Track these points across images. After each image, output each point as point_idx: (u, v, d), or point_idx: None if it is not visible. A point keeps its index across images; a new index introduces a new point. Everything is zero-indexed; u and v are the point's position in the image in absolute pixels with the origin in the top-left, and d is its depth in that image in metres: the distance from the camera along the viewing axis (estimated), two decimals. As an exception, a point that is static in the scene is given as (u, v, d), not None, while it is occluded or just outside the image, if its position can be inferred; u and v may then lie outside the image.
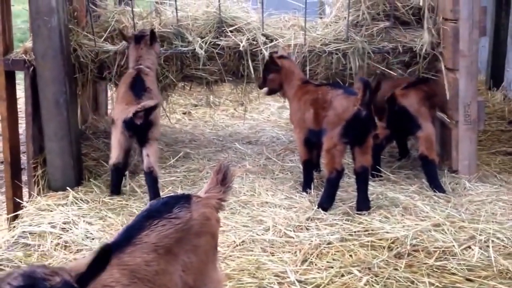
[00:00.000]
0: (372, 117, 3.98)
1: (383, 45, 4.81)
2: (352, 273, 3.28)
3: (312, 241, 3.60)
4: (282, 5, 5.19)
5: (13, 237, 3.71)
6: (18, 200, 4.41)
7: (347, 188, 4.37)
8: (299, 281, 3.20)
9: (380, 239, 3.63)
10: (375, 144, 4.27)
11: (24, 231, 3.74)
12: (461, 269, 3.33)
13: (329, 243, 3.60)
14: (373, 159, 4.23)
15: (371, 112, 3.95)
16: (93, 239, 3.66)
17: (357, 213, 3.99)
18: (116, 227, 3.79)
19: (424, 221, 3.85)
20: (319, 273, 3.29)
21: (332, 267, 3.34)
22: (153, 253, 2.11)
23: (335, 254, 3.49)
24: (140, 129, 4.09)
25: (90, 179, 4.54)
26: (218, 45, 4.74)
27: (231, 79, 5.03)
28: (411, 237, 3.61)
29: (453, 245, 3.53)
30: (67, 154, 4.32)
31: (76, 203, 4.13)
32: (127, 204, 4.18)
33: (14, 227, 3.95)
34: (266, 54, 4.68)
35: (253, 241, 3.64)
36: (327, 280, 3.21)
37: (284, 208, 4.09)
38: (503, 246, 3.56)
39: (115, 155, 4.21)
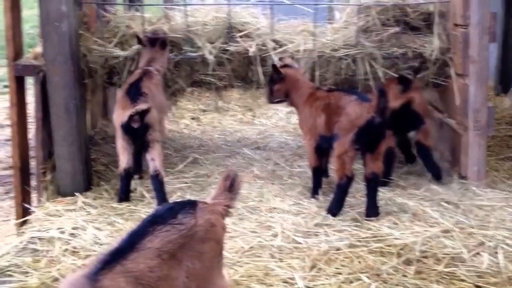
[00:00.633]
0: (385, 124, 3.97)
1: (392, 51, 4.80)
2: (361, 280, 3.26)
3: (320, 247, 3.58)
4: (292, 11, 5.19)
5: (21, 242, 3.70)
6: (27, 205, 4.41)
7: (356, 194, 4.35)
8: (308, 288, 3.19)
9: (389, 245, 3.61)
10: (387, 151, 4.29)
11: (32, 237, 3.74)
12: (470, 275, 3.30)
13: (337, 249, 3.58)
14: (386, 166, 4.28)
15: (385, 119, 3.92)
16: (101, 244, 3.65)
17: (365, 219, 3.97)
18: (124, 232, 3.79)
19: (433, 227, 3.82)
20: (327, 279, 3.27)
21: (340, 274, 3.32)
22: (157, 259, 2.11)
23: (343, 260, 3.47)
24: (138, 132, 4.14)
25: (99, 184, 4.56)
26: (228, 50, 4.74)
27: (240, 84, 5.04)
28: (420, 244, 3.58)
29: (462, 252, 3.50)
30: (76, 159, 4.33)
31: (84, 209, 4.14)
32: (136, 209, 4.18)
33: (23, 232, 3.94)
34: (276, 59, 4.68)
35: (261, 247, 3.63)
36: (335, 287, 3.19)
37: (292, 214, 4.07)
38: (512, 252, 3.53)
39: (124, 160, 4.24)
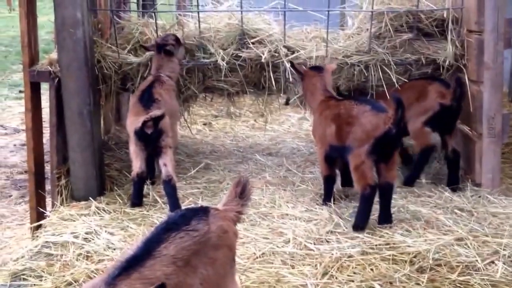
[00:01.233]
0: (401, 134, 3.94)
1: (405, 57, 4.79)
2: (373, 287, 3.24)
3: (332, 254, 3.57)
4: (304, 17, 5.20)
5: (36, 246, 3.73)
6: (42, 209, 4.44)
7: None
8: (320, 295, 3.19)
9: (402, 253, 3.59)
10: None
11: (47, 241, 3.77)
12: (485, 284, 3.28)
13: (350, 256, 3.57)
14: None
15: (401, 129, 3.89)
16: (114, 249, 3.67)
17: (378, 226, 3.95)
18: (137, 237, 3.80)
19: (447, 235, 3.80)
20: (339, 286, 3.26)
21: (353, 281, 3.31)
22: (173, 266, 2.12)
23: (356, 267, 3.46)
24: (151, 138, 4.17)
25: (112, 190, 4.58)
26: (240, 57, 4.76)
27: (252, 90, 5.05)
28: (433, 251, 3.56)
29: (476, 260, 3.48)
30: (90, 164, 4.36)
31: (98, 213, 4.16)
32: (148, 214, 4.20)
33: (37, 236, 3.98)
34: (288, 66, 4.69)
35: (273, 253, 3.63)
36: (348, 294, 3.19)
37: (304, 221, 4.07)
38: (527, 261, 3.51)
39: (136, 165, 4.28)
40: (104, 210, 4.21)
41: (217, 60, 4.72)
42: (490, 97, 4.52)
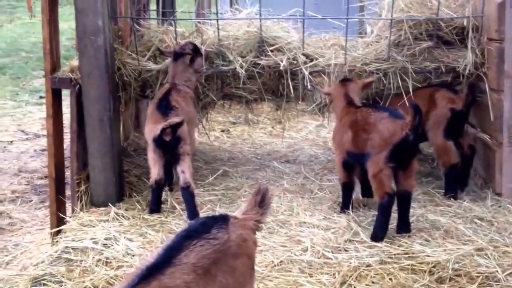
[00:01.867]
0: (418, 141, 3.92)
1: (425, 65, 4.77)
2: (392, 297, 3.24)
3: (351, 263, 3.56)
4: (323, 25, 5.20)
5: (56, 252, 3.77)
6: (62, 215, 4.48)
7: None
8: (338, 304, 3.18)
9: (421, 263, 3.57)
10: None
11: (67, 246, 3.81)
12: (505, 295, 3.25)
13: (368, 266, 3.55)
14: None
15: (418, 136, 3.88)
16: (133, 255, 3.69)
17: (397, 236, 3.94)
18: (156, 244, 3.83)
19: (467, 245, 3.77)
20: (358, 296, 3.26)
21: (371, 291, 3.31)
22: (193, 274, 2.13)
23: (374, 277, 3.44)
24: (170, 145, 4.21)
25: (131, 196, 4.62)
26: (259, 64, 4.77)
27: (270, 98, 5.06)
28: (453, 262, 3.53)
29: (497, 271, 3.44)
30: (109, 170, 4.39)
31: (117, 219, 4.19)
32: (166, 221, 4.22)
33: (57, 241, 4.02)
34: (306, 73, 4.70)
35: (291, 261, 3.62)
36: (366, 304, 3.18)
37: (322, 229, 4.06)
38: (549, 272, 3.46)
39: (155, 172, 4.31)
40: (123, 216, 4.24)
41: (235, 68, 4.74)
42: (511, 106, 4.48)
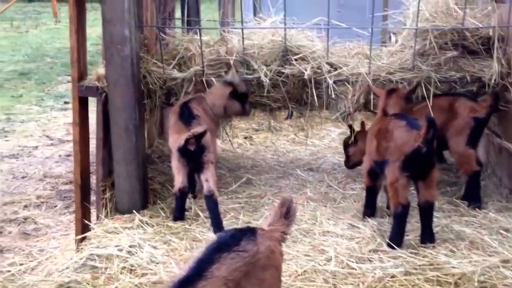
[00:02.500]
0: (433, 152, 3.91)
1: (450, 75, 4.74)
2: (417, 309, 3.22)
3: (375, 274, 3.55)
4: (347, 33, 5.20)
5: (81, 259, 3.81)
6: (87, 221, 4.53)
7: (410, 219, 4.27)
8: (362, 315, 3.17)
9: (446, 274, 3.54)
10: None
11: (91, 253, 3.84)
12: (532, 309, 3.22)
13: (392, 276, 3.54)
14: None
15: (433, 148, 3.86)
16: (157, 263, 3.72)
17: (421, 246, 3.91)
18: (179, 252, 3.86)
19: (492, 257, 3.74)
20: (382, 307, 3.25)
21: (396, 302, 3.29)
22: (224, 287, 2.13)
23: (399, 288, 3.44)
24: (194, 154, 4.25)
25: (155, 203, 4.65)
26: (283, 73, 4.78)
27: (294, 106, 5.07)
28: (478, 273, 3.51)
29: (524, 284, 3.42)
30: (134, 178, 4.43)
31: (141, 227, 4.23)
32: (190, 228, 4.25)
33: (82, 248, 4.06)
34: (331, 82, 4.71)
35: (315, 271, 3.62)
36: (391, 315, 3.17)
37: (346, 238, 4.05)
38: None
39: (178, 180, 4.34)
40: (147, 224, 4.28)
41: (260, 76, 4.76)
42: (537, 116, 4.45)
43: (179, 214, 4.38)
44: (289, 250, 3.83)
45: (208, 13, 10.70)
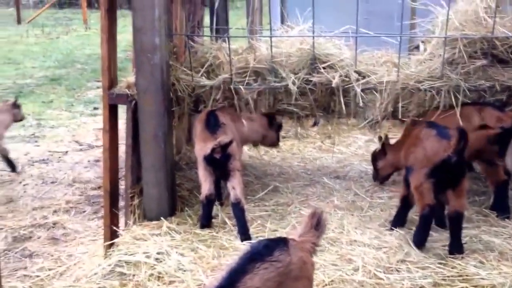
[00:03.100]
0: (463, 162, 3.88)
1: (479, 83, 4.69)
2: (446, 321, 3.19)
3: (403, 284, 3.53)
4: (374, 40, 5.18)
5: (109, 265, 3.84)
6: (115, 228, 4.58)
7: (438, 229, 4.26)
8: (390, 326, 3.15)
9: (475, 286, 3.52)
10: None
11: (120, 260, 3.87)
12: None
13: (421, 287, 3.51)
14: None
15: (463, 158, 3.85)
16: (185, 271, 3.74)
17: (450, 257, 3.88)
18: (207, 260, 3.87)
19: (523, 269, 3.69)
20: (410, 319, 3.22)
21: (424, 314, 3.26)
22: None
23: (427, 299, 3.41)
24: (220, 162, 4.30)
25: (183, 210, 4.68)
26: (311, 81, 4.78)
27: (321, 114, 5.06)
28: (508, 285, 3.47)
29: (555, 297, 3.36)
30: (162, 185, 4.47)
31: (169, 233, 4.25)
32: (217, 236, 4.27)
33: (110, 254, 4.10)
34: (358, 90, 4.70)
35: (342, 281, 3.61)
36: (419, 327, 3.14)
37: (373, 248, 4.04)
38: None
39: (206, 187, 4.38)
40: (175, 231, 4.30)
41: (288, 84, 4.77)
42: None
43: (206, 221, 4.41)
44: (316, 259, 3.79)
45: (235, 19, 10.76)
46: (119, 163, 4.86)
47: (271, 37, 4.81)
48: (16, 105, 7.28)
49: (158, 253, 3.94)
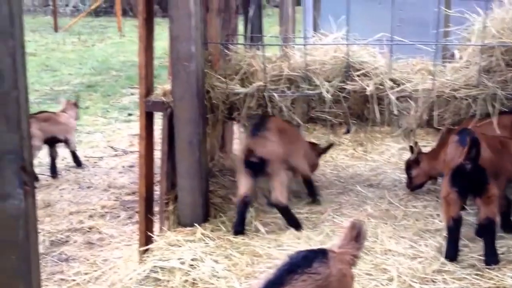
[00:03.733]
0: (482, 170, 3.84)
1: (517, 92, 4.63)
2: (483, 334, 3.14)
3: (439, 295, 3.49)
4: (410, 50, 5.14)
5: (144, 270, 3.88)
6: (150, 233, 4.63)
7: (475, 238, 4.20)
8: (425, 338, 3.11)
9: (513, 299, 3.45)
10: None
11: (155, 266, 3.90)
12: None
13: (457, 299, 3.47)
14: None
15: (478, 166, 3.81)
16: (219, 278, 3.76)
17: (486, 268, 3.82)
18: (241, 267, 3.88)
19: (563, 282, 3.61)
20: (446, 330, 3.18)
21: (460, 326, 3.22)
22: None
23: (464, 311, 3.36)
24: (257, 166, 4.39)
25: (216, 216, 4.71)
26: (345, 89, 4.78)
27: (355, 122, 5.05)
28: (547, 298, 3.40)
29: None
30: (197, 192, 4.51)
31: (203, 240, 4.28)
32: (250, 243, 4.27)
33: (145, 260, 4.15)
34: (393, 98, 4.67)
35: (376, 290, 3.59)
36: None
37: (408, 258, 3.99)
38: None
39: (242, 189, 4.45)
40: (209, 237, 4.33)
41: (321, 92, 4.77)
42: None
43: (239, 227, 4.42)
44: (351, 269, 3.81)
45: (267, 27, 10.78)
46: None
47: (305, 45, 4.83)
48: (76, 105, 7.61)
49: (192, 260, 3.96)
